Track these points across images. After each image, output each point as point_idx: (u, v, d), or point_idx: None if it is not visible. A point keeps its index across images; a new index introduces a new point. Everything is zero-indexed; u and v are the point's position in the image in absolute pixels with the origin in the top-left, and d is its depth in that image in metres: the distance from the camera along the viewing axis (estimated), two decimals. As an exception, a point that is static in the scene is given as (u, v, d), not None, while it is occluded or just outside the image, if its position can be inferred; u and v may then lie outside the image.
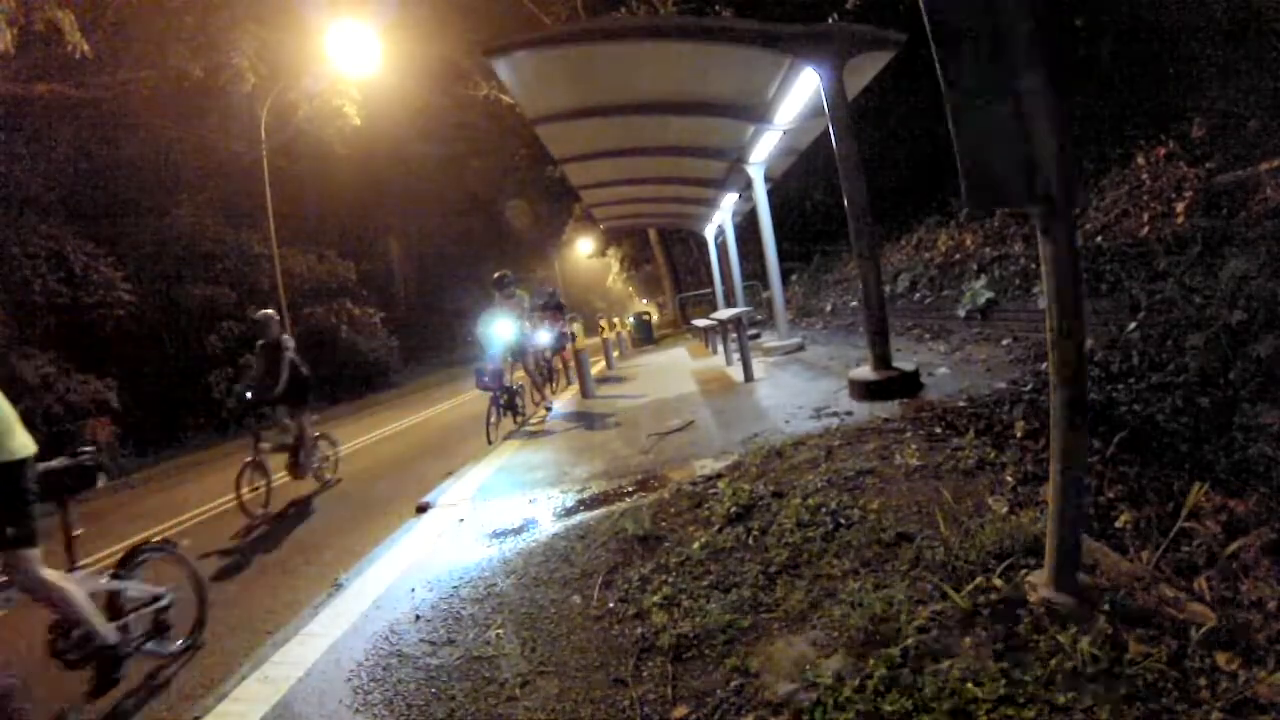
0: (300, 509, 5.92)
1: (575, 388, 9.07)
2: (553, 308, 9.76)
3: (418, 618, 2.65)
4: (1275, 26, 5.05)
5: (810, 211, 14.60)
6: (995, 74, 1.57)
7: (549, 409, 7.76)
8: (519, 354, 7.62)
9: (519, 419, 7.40)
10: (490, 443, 6.53)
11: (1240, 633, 1.53)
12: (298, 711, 2.16)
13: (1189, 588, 1.79)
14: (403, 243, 32.53)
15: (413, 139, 26.40)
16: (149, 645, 2.85)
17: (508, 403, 7.26)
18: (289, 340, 6.26)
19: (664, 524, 3.04)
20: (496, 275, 7.80)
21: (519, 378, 7.69)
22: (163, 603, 2.95)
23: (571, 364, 9.78)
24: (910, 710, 1.47)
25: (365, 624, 2.70)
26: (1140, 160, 5.82)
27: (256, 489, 5.73)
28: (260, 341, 6.26)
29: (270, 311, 6.44)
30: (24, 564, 2.35)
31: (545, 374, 9.08)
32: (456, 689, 2.06)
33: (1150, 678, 1.41)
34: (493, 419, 6.92)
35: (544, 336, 9.21)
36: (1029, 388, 3.97)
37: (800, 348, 8.42)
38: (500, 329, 7.31)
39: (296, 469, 6.25)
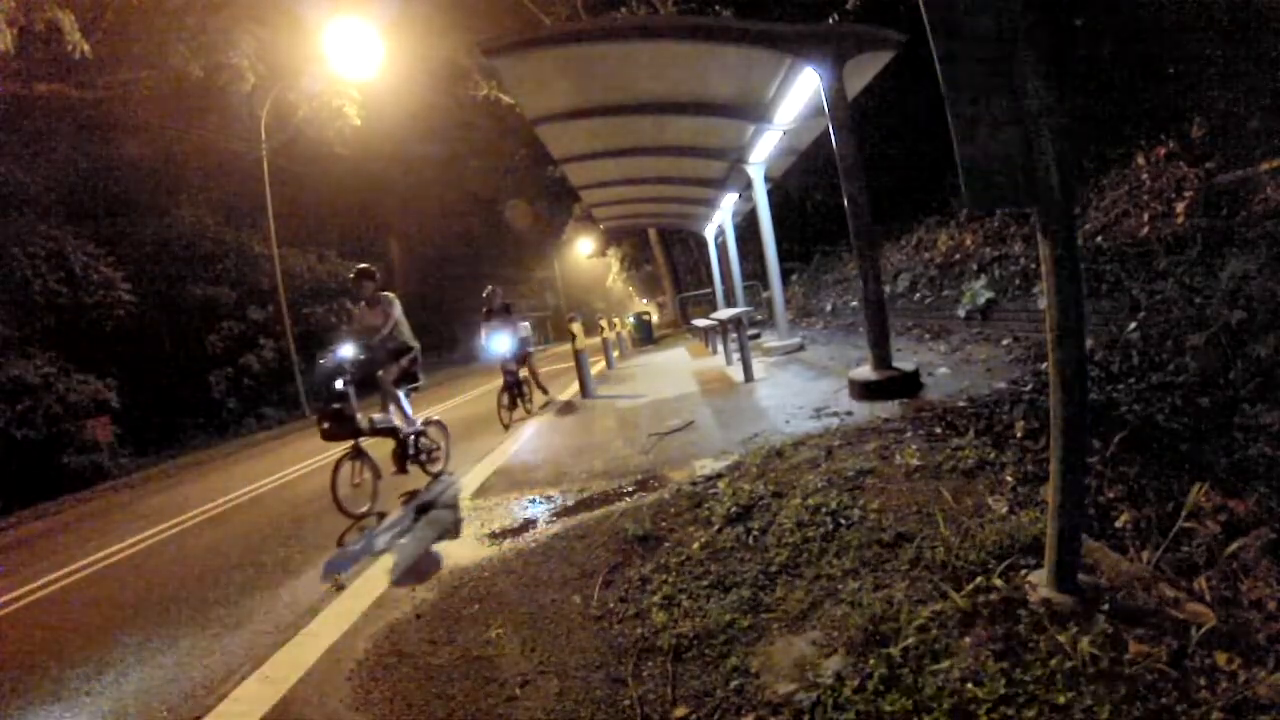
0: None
1: (548, 397, 8.93)
2: (499, 311, 8.17)
3: (418, 617, 2.65)
4: (1275, 26, 5.04)
5: (810, 211, 14.59)
6: (995, 73, 1.57)
7: (547, 405, 7.74)
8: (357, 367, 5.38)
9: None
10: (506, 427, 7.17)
11: (1240, 633, 1.53)
12: (298, 712, 2.16)
13: (1189, 588, 1.79)
14: (403, 243, 32.52)
15: (413, 139, 26.40)
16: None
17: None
18: None
19: (664, 524, 3.04)
20: (358, 268, 5.58)
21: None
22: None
23: (540, 374, 8.97)
24: (910, 710, 1.47)
25: (365, 624, 2.70)
26: (1140, 160, 5.81)
27: None
28: None
29: None
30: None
31: (516, 386, 7.85)
32: (456, 689, 2.06)
33: (1150, 678, 1.41)
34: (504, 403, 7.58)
35: (501, 344, 7.83)
36: (1029, 388, 3.97)
37: (800, 348, 8.41)
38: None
39: None
